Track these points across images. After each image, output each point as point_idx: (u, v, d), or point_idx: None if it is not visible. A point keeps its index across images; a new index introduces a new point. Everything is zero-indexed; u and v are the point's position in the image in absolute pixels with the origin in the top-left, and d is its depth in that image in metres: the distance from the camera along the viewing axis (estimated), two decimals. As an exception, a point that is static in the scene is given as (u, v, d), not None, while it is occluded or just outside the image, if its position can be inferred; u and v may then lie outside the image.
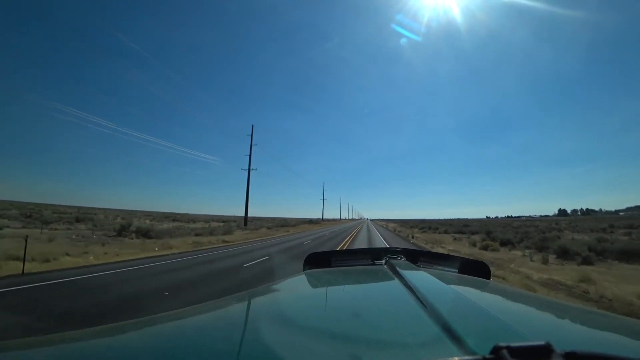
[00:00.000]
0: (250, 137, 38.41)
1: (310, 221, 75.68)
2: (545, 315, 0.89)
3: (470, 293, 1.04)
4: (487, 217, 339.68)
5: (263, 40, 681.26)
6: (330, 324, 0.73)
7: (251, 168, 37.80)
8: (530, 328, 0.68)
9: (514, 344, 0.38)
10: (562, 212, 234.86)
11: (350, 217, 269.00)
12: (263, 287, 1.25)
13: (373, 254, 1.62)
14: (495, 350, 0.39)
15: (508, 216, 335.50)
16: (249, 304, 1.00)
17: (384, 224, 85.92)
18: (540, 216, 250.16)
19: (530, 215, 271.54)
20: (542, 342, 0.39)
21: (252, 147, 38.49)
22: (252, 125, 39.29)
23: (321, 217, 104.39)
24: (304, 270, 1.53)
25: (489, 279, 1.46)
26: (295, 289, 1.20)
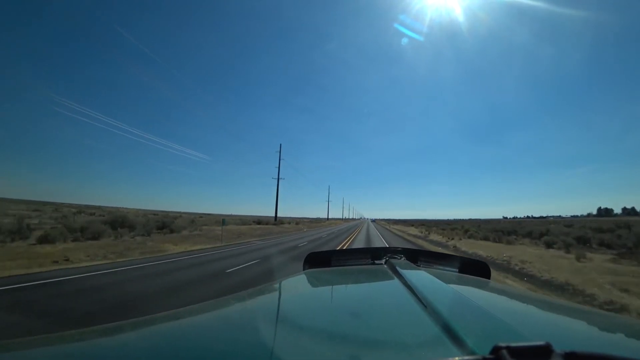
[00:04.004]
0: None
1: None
2: (545, 315, 0.90)
3: (470, 293, 1.05)
4: (504, 217, 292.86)
5: (265, 40, 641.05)
6: (330, 324, 0.73)
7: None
8: (530, 328, 0.69)
9: (513, 344, 0.38)
10: (602, 212, 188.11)
11: (345, 217, 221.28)
12: (263, 286, 1.26)
13: (373, 254, 1.63)
14: (495, 351, 0.39)
15: (527, 216, 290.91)
16: (248, 303, 1.02)
17: (410, 234, 36.13)
18: (571, 216, 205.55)
19: (558, 215, 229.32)
20: (542, 342, 0.39)
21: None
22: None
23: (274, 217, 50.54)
24: (303, 269, 1.54)
25: (489, 278, 1.46)
26: (295, 288, 1.22)
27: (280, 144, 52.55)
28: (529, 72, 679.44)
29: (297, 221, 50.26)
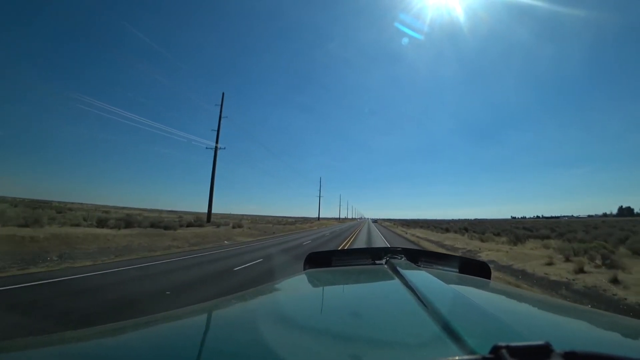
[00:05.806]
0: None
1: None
2: (545, 314, 0.91)
3: (470, 293, 1.06)
4: (513, 217, 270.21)
5: (266, 38, 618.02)
6: (331, 324, 0.74)
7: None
8: (530, 328, 0.69)
9: (513, 344, 0.38)
10: (624, 211, 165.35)
11: (342, 217, 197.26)
12: (263, 286, 1.29)
13: (373, 254, 1.63)
14: (495, 350, 0.38)
15: (537, 216, 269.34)
16: (249, 303, 1.03)
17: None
18: (587, 216, 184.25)
19: (570, 215, 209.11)
20: (542, 342, 0.39)
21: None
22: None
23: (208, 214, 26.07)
24: (304, 269, 1.55)
25: (489, 278, 1.46)
26: (296, 288, 1.23)
27: (223, 93, 29.87)
28: (531, 71, 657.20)
29: (238, 223, 27.89)
